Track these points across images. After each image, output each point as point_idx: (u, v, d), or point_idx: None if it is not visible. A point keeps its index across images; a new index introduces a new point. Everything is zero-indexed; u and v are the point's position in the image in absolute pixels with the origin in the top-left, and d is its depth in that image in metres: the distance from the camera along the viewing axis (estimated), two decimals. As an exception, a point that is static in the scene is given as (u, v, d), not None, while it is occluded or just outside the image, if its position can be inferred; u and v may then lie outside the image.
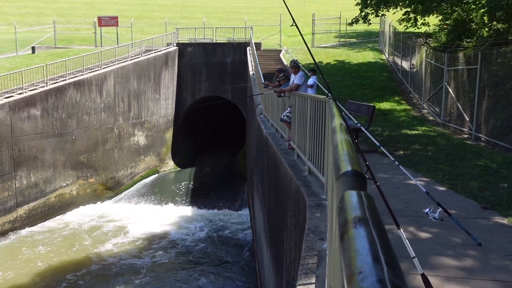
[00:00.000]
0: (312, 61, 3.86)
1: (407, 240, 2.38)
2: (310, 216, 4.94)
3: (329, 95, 4.64)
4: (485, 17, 15.66)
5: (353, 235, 0.74)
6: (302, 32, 4.99)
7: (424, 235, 4.99)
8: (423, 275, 3.14)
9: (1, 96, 16.21)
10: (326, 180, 4.97)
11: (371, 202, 0.92)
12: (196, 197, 20.87)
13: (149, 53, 22.98)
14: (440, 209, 4.75)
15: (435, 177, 7.69)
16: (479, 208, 6.01)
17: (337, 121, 2.66)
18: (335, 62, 23.15)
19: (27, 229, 17.01)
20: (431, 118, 15.71)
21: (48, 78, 17.91)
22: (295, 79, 9.66)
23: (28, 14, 39.94)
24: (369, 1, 19.78)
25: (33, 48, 25.44)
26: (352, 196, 0.95)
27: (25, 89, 17.13)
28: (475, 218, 5.61)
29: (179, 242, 16.39)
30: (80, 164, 19.18)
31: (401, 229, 2.46)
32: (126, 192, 21.42)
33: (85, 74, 19.33)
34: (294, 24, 3.71)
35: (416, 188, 5.56)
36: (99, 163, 20.06)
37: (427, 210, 4.81)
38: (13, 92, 16.93)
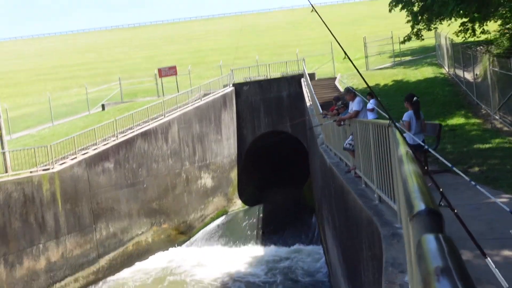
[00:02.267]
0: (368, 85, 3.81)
1: (496, 270, 2.21)
2: (386, 248, 4.73)
3: (391, 121, 4.52)
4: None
5: (437, 290, 0.70)
6: (355, 56, 4.97)
7: (515, 258, 4.60)
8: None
9: (78, 153, 17.39)
10: (399, 208, 4.77)
11: (452, 248, 0.87)
12: (266, 235, 20.78)
13: (208, 96, 23.80)
14: (529, 228, 4.39)
15: (519, 192, 7.14)
16: None
17: (403, 150, 2.58)
18: (392, 82, 22.64)
19: (108, 278, 17.67)
20: (504, 128, 14.77)
21: (118, 131, 19.02)
22: (353, 105, 9.54)
23: (96, 75, 43.12)
24: (420, 17, 19.39)
25: (103, 106, 27.28)
26: (430, 242, 0.90)
27: (98, 144, 18.29)
28: None
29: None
30: (153, 211, 19.88)
31: (488, 258, 2.29)
32: (198, 235, 21.75)
33: (151, 124, 20.33)
34: (346, 56, 3.70)
35: (498, 208, 5.19)
36: (170, 209, 20.69)
37: (514, 231, 4.46)
38: (88, 148, 18.13)
